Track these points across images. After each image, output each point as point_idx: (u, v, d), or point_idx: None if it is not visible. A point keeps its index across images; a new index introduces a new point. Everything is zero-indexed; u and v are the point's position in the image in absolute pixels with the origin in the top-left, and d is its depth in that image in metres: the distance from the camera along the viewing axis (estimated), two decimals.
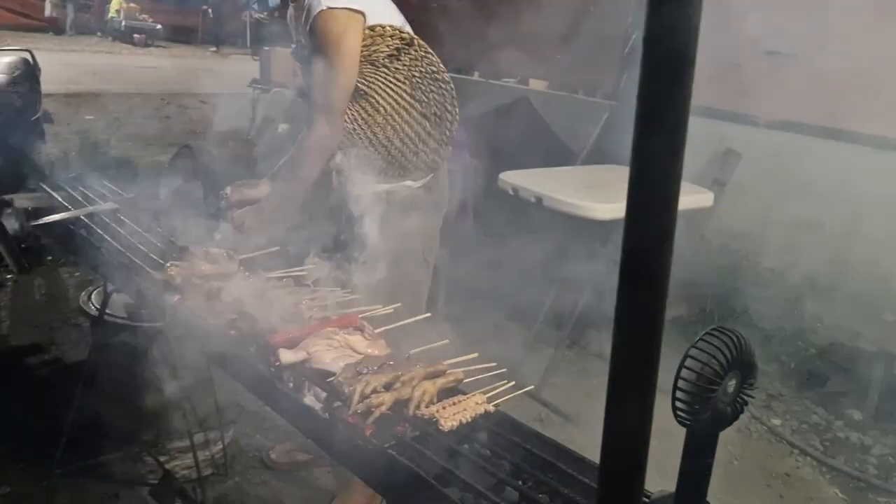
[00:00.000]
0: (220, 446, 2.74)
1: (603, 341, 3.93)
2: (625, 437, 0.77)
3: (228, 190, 2.29)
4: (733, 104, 4.38)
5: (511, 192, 3.47)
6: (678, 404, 0.96)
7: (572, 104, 5.57)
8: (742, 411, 1.02)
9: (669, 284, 0.68)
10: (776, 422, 3.45)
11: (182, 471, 2.62)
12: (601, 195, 3.26)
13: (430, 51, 2.34)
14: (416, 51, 2.30)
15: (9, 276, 4.23)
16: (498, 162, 4.43)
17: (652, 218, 0.66)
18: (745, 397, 1.01)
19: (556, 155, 4.82)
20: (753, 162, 4.31)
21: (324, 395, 1.40)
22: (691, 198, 3.51)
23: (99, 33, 19.91)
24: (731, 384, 0.99)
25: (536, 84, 6.17)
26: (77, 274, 4.37)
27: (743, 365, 0.99)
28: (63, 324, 3.82)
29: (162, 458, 2.58)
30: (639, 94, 0.65)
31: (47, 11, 19.32)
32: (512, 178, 3.51)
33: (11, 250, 3.32)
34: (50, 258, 4.53)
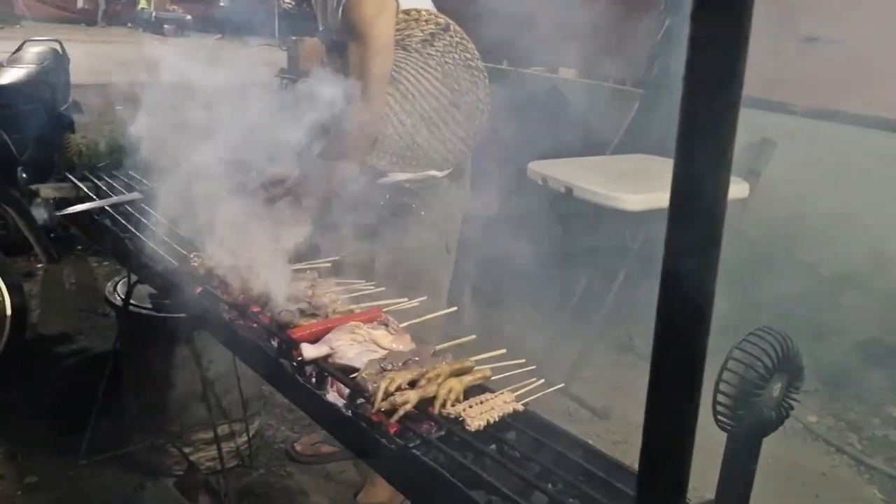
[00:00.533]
0: (245, 438, 2.72)
1: (633, 334, 3.86)
2: (666, 444, 0.72)
3: (254, 172, 2.23)
4: (769, 92, 4.26)
5: (540, 182, 3.40)
6: (719, 408, 0.91)
7: (602, 93, 5.47)
8: (787, 416, 0.96)
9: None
10: (812, 419, 3.35)
11: (207, 462, 2.61)
12: (631, 185, 3.18)
13: (466, 37, 2.25)
14: (451, 37, 2.21)
15: (39, 266, 4.27)
16: (526, 152, 4.36)
17: (697, 219, 0.60)
18: (791, 401, 0.95)
19: (586, 144, 4.74)
20: (789, 151, 4.19)
21: (347, 391, 1.36)
22: None
23: (129, 24, 20.11)
24: (777, 388, 0.93)
25: (566, 72, 6.07)
26: (106, 263, 4.40)
27: (789, 367, 0.93)
28: (91, 313, 3.84)
29: (186, 450, 2.57)
30: (684, 78, 0.59)
31: (80, 3, 19.60)
32: (541, 167, 3.44)
33: (40, 240, 3.34)
34: (79, 247, 4.57)
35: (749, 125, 4.26)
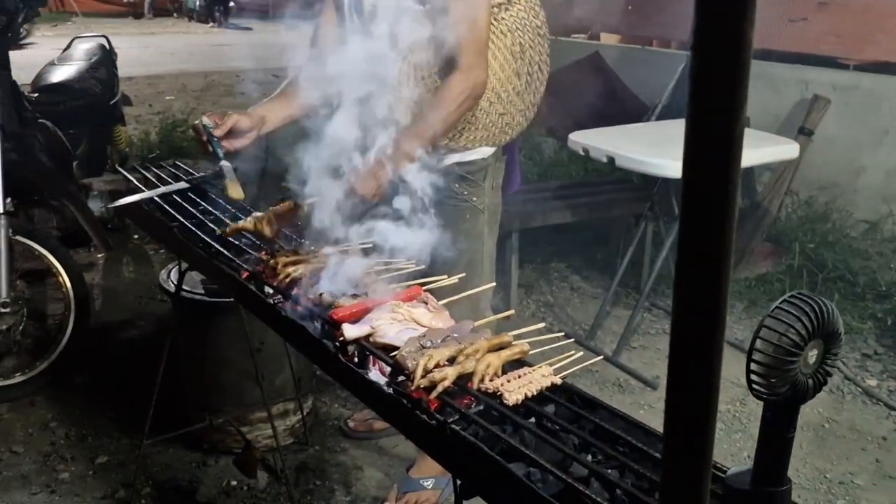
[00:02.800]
0: (300, 416, 2.80)
1: None
2: (688, 409, 0.72)
3: (205, 119, 2.05)
4: (820, 47, 4.11)
5: (582, 153, 3.36)
6: (753, 377, 0.89)
7: (646, 57, 5.36)
8: (825, 383, 0.95)
9: (733, 246, 0.62)
10: (871, 382, 3.27)
11: (264, 440, 2.69)
12: (676, 152, 3.11)
13: (539, 3, 2.15)
14: (527, 2, 2.12)
15: (99, 256, 4.43)
16: (569, 122, 4.31)
17: (712, 165, 0.59)
18: (829, 368, 0.94)
19: (631, 111, 4.66)
20: (843, 108, 4.05)
21: (388, 369, 1.38)
22: (775, 149, 3.32)
23: (175, 14, 20.44)
24: (813, 354, 0.91)
25: (608, 38, 5.96)
26: (162, 251, 4.53)
27: (826, 333, 0.91)
28: (150, 299, 3.97)
29: (244, 429, 2.65)
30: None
31: None
32: (583, 138, 3.39)
33: (97, 231, 3.46)
34: (136, 237, 4.71)
35: (799, 82, 4.14)
